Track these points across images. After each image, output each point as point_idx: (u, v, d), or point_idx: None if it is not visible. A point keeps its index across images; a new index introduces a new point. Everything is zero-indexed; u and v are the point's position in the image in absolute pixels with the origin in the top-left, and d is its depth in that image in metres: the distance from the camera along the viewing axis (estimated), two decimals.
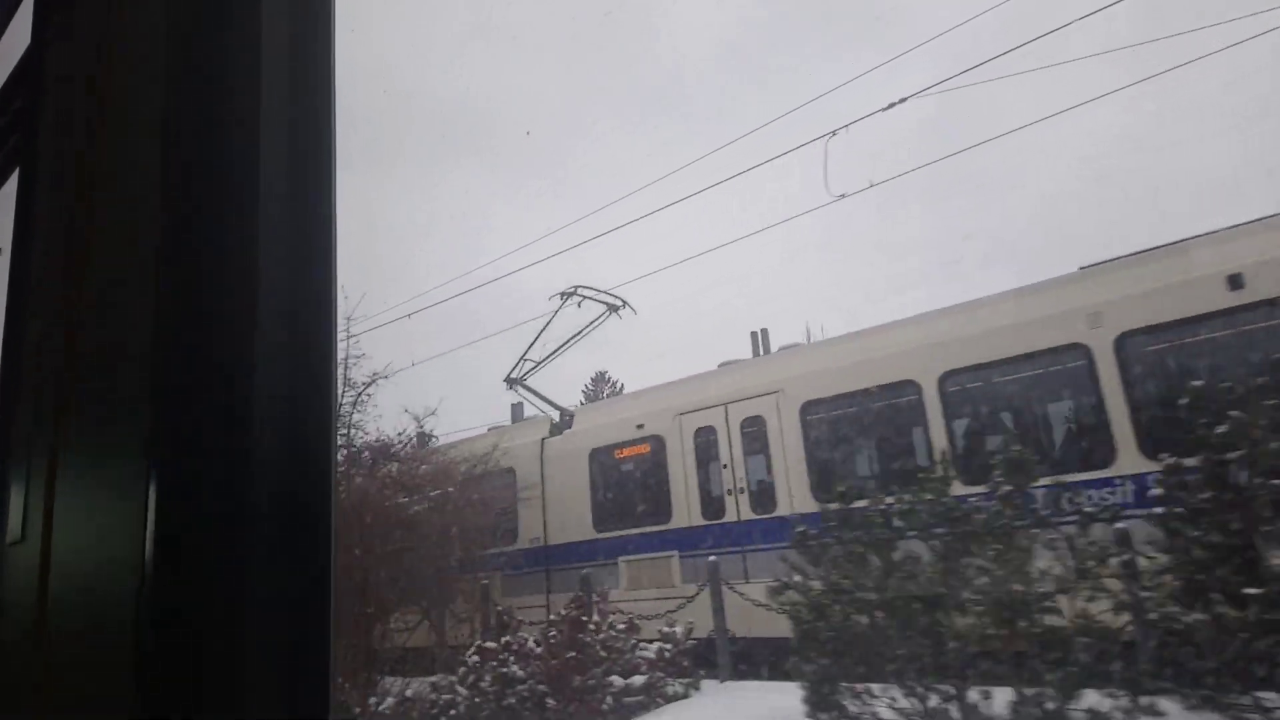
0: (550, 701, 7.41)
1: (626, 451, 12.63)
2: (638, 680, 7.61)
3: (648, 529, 12.12)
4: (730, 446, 11.32)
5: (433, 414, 13.13)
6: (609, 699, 7.47)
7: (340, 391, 11.67)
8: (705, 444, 11.65)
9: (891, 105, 10.23)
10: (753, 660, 9.56)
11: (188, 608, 0.67)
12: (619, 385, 32.58)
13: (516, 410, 16.29)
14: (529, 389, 15.30)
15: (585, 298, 14.49)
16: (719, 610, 9.73)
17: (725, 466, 11.34)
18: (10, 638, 0.87)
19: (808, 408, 10.57)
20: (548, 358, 15.14)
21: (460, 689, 8.03)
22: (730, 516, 11.18)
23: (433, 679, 8.61)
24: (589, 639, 7.99)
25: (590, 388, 35.46)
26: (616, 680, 7.51)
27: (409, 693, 8.04)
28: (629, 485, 12.69)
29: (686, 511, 11.65)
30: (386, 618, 9.46)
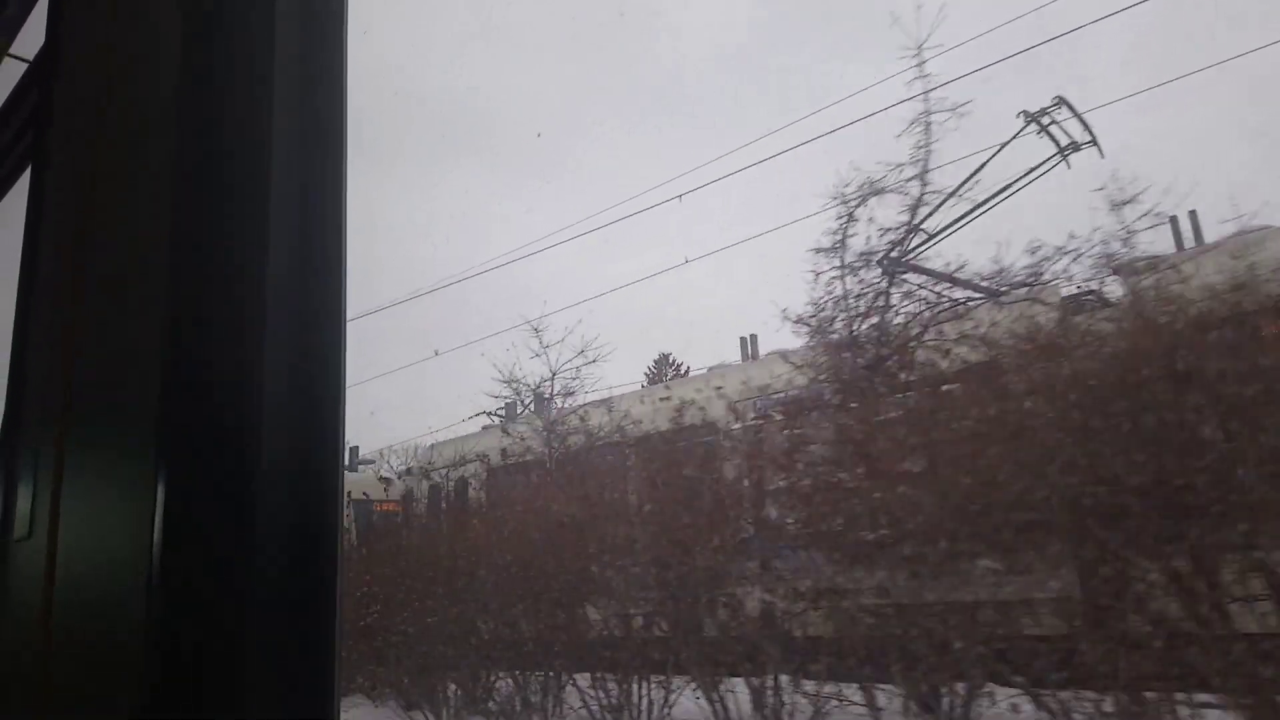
0: None
1: None
2: None
3: None
4: None
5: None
6: None
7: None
8: None
9: None
10: None
11: (191, 608, 0.67)
12: (684, 368, 25.87)
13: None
14: (921, 269, 9.71)
15: (1051, 123, 9.34)
16: None
17: None
18: (14, 634, 0.87)
19: None
20: (952, 225, 9.66)
21: None
22: None
23: None
24: None
25: (653, 369, 29.00)
26: None
27: None
28: None
29: None
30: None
